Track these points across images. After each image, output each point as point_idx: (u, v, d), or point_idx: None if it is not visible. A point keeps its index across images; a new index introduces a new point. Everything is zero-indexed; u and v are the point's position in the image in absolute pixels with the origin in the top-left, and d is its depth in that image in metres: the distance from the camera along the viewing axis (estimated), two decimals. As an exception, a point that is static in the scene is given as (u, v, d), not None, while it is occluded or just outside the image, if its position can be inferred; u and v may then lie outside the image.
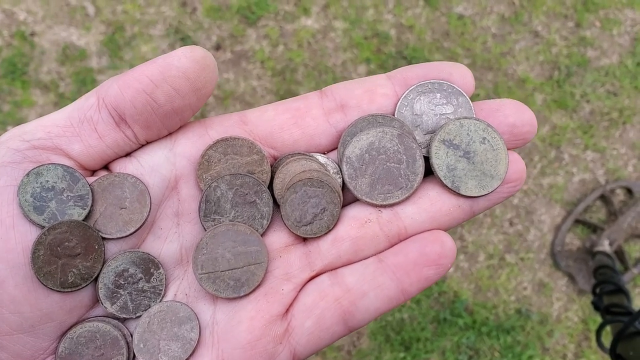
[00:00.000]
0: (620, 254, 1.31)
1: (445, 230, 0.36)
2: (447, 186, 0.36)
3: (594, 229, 1.33)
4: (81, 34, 1.30)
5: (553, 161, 1.37)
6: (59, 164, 0.34)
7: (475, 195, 0.36)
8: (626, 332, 0.82)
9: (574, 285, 1.31)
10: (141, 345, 0.34)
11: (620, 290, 1.02)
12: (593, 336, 1.24)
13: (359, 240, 0.35)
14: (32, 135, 0.34)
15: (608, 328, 1.01)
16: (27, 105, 1.23)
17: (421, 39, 1.39)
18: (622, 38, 1.40)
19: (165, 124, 0.35)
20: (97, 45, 1.31)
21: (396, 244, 0.35)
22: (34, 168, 0.33)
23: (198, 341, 0.34)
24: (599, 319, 1.25)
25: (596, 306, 1.04)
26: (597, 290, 1.08)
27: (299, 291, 0.35)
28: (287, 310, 0.34)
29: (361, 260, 0.35)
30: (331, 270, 0.35)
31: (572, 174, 1.39)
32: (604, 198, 1.34)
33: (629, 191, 1.34)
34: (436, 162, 0.36)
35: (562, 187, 1.37)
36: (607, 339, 0.96)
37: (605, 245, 1.28)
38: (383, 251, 0.35)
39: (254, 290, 0.35)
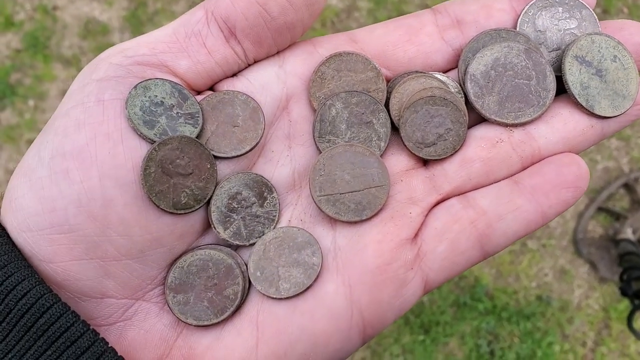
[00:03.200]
0: (644, 242, 1.29)
1: (576, 153, 0.33)
2: (580, 105, 0.33)
3: (617, 217, 1.30)
4: (103, 9, 1.27)
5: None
6: (166, 80, 0.31)
7: (609, 115, 0.33)
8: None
9: (595, 273, 1.30)
10: (258, 274, 0.31)
11: (649, 276, 1.02)
12: (614, 324, 1.24)
13: (491, 162, 0.32)
14: (134, 52, 0.31)
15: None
16: (49, 79, 1.20)
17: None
18: (650, 25, 1.38)
19: (277, 40, 0.32)
20: (119, 20, 1.28)
21: (529, 166, 0.32)
22: (142, 82, 0.30)
23: (321, 266, 0.31)
24: (620, 308, 1.24)
25: (624, 292, 1.03)
26: (625, 277, 1.07)
27: (426, 215, 0.32)
28: (416, 235, 0.32)
29: (492, 183, 0.32)
30: (459, 194, 0.32)
31: (596, 162, 1.37)
32: (627, 186, 1.31)
33: (653, 180, 1.32)
34: (570, 79, 0.33)
35: (586, 175, 1.34)
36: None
37: (628, 234, 1.27)
38: (516, 173, 0.32)
39: (377, 214, 0.32)
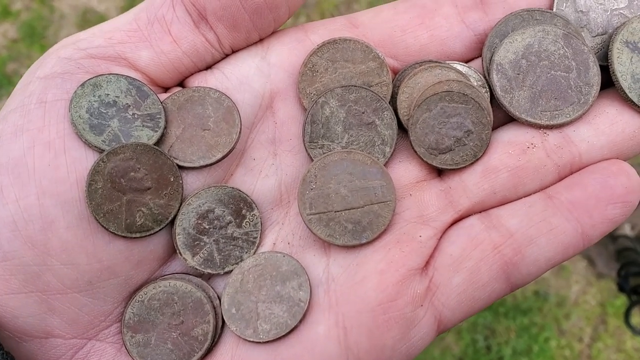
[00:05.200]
0: (641, 239, 1.27)
1: (625, 160, 0.27)
2: (631, 101, 0.27)
3: (615, 212, 1.29)
4: (101, -1, 1.24)
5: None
6: (122, 75, 0.25)
7: (667, 113, 0.27)
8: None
9: (592, 269, 1.29)
10: (233, 311, 0.26)
11: (647, 272, 1.00)
12: (611, 320, 1.23)
13: (520, 172, 0.26)
14: (88, 43, 0.26)
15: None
16: (45, 70, 1.17)
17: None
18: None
19: (257, 24, 0.27)
20: (117, 11, 1.24)
21: (567, 176, 0.26)
22: (91, 78, 0.25)
23: (309, 302, 0.25)
24: (617, 303, 1.25)
25: (621, 288, 1.01)
26: (622, 273, 1.05)
27: (440, 238, 0.26)
28: (428, 263, 0.26)
29: (522, 197, 0.26)
30: (481, 212, 0.26)
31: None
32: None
33: (651, 175, 1.30)
34: (619, 70, 0.27)
35: (584, 170, 1.33)
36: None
37: (626, 230, 1.25)
38: (550, 185, 0.26)
39: (379, 237, 0.26)
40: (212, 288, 0.26)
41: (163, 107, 0.26)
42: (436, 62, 0.28)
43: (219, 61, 0.28)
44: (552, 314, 1.22)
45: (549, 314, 1.21)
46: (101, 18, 1.23)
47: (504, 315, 1.22)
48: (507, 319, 1.22)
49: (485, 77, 0.28)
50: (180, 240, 0.26)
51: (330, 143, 0.27)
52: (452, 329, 1.22)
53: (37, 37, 1.19)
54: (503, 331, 1.21)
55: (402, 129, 0.28)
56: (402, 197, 0.27)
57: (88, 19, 1.23)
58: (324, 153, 0.27)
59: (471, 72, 0.28)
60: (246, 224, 0.26)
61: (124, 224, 0.24)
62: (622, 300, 1.18)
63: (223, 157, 0.26)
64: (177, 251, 0.26)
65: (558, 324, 1.21)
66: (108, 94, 0.25)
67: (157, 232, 0.25)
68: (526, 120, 0.27)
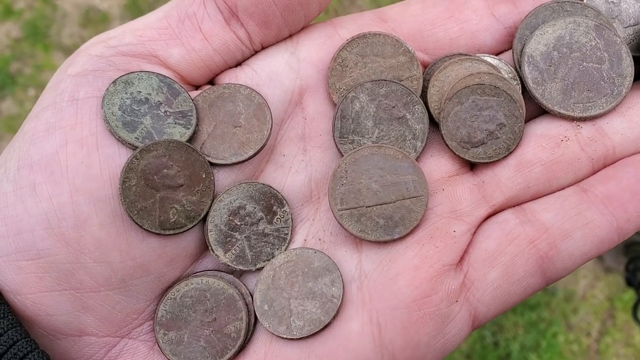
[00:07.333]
0: (649, 233, 1.26)
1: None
2: (665, 92, 0.26)
3: (623, 207, 1.30)
4: (103, -3, 1.23)
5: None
6: (153, 73, 0.25)
7: (701, 105, 0.27)
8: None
9: (600, 263, 1.28)
10: (265, 307, 0.25)
11: (655, 266, 1.00)
12: (619, 314, 1.23)
13: (554, 165, 0.26)
14: (119, 41, 0.26)
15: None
16: (49, 68, 1.16)
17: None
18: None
19: (287, 20, 0.26)
20: (119, 9, 1.23)
21: (601, 169, 0.26)
22: (122, 75, 0.25)
23: (342, 299, 0.25)
24: (625, 298, 1.25)
25: (629, 282, 1.02)
26: (630, 267, 1.05)
27: (474, 234, 0.26)
28: (462, 259, 0.25)
29: (556, 191, 0.26)
30: (515, 206, 0.26)
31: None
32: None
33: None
34: (652, 60, 0.27)
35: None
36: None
37: None
38: (584, 179, 0.26)
39: (412, 232, 0.26)
40: (244, 285, 0.26)
41: (194, 104, 0.26)
42: (466, 55, 0.28)
43: (248, 58, 0.28)
44: (559, 309, 1.21)
45: (556, 309, 1.21)
46: (104, 16, 1.23)
47: (512, 310, 1.22)
48: (515, 314, 1.22)
49: (516, 70, 0.28)
50: (212, 237, 0.26)
51: (360, 138, 0.27)
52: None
53: (40, 36, 1.19)
54: (511, 327, 1.20)
55: (433, 123, 0.28)
56: (434, 192, 0.27)
57: (91, 18, 1.22)
58: (354, 148, 0.27)
59: (502, 65, 0.28)
60: (277, 220, 0.26)
61: (158, 221, 0.24)
62: (630, 295, 1.18)
63: (255, 154, 0.26)
64: (210, 248, 0.26)
65: (566, 319, 1.21)
66: (140, 92, 0.25)
67: (189, 229, 0.25)
68: (559, 113, 0.27)
